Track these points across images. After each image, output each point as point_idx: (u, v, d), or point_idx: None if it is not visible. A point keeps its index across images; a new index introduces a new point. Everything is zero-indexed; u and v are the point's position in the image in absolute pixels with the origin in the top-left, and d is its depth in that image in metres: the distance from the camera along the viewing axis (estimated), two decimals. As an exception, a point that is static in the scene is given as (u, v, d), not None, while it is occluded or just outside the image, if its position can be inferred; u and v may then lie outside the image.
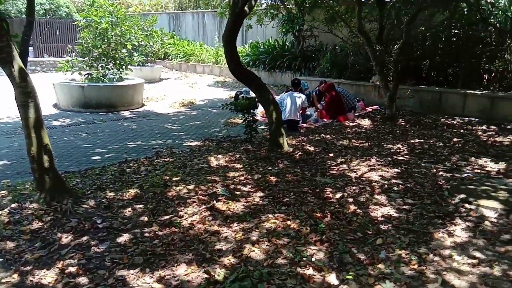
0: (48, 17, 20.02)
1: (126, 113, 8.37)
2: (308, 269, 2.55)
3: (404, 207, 3.64)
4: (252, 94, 9.20)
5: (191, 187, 4.00)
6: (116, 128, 6.97)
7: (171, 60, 18.00)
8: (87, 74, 9.01)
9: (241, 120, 7.61)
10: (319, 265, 2.58)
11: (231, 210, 3.47)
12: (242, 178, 4.37)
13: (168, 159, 5.12)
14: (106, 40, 8.89)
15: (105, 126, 7.12)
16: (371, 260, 2.68)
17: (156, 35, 14.14)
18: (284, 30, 12.30)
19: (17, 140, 5.88)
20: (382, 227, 3.21)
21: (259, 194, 3.89)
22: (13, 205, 3.38)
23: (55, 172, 3.48)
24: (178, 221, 3.21)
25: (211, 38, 18.24)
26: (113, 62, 9.25)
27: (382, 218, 3.37)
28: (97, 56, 9.03)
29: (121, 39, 9.14)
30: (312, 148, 5.70)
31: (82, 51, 8.93)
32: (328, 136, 6.54)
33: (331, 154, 5.40)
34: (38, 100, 3.38)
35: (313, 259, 2.66)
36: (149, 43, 13.32)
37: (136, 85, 9.00)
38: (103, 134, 6.45)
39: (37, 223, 3.11)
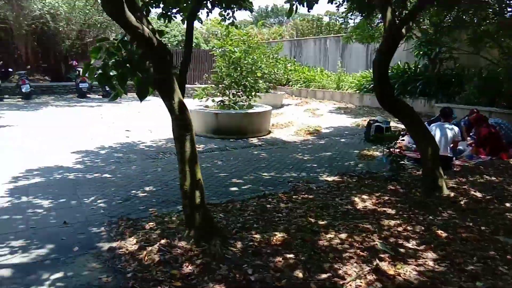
0: (180, 47, 22.06)
1: (255, 140, 8.32)
2: None
3: None
4: (392, 124, 8.42)
5: (343, 236, 3.46)
6: (248, 156, 6.87)
7: (291, 86, 18.06)
8: (219, 101, 9.31)
9: (378, 153, 6.93)
10: None
11: (401, 275, 2.82)
12: (400, 228, 3.68)
13: (306, 195, 4.69)
14: (238, 69, 9.11)
15: (237, 153, 7.09)
16: None
17: (280, 62, 14.27)
18: (421, 52, 11.19)
19: (160, 165, 6.13)
20: None
21: (430, 255, 3.15)
22: (162, 241, 3.27)
23: (205, 209, 3.30)
24: (340, 283, 2.69)
25: (333, 64, 17.83)
26: (243, 90, 9.42)
27: None
28: (229, 84, 9.30)
29: (253, 67, 9.27)
30: (479, 194, 4.68)
31: (216, 79, 9.29)
32: (493, 178, 5.40)
33: (508, 204, 4.34)
34: (194, 134, 3.27)
35: None
36: (274, 70, 13.46)
37: (264, 113, 8.96)
38: (237, 163, 6.37)
39: (187, 267, 2.90)
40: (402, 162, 5.49)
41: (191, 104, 9.89)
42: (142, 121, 10.34)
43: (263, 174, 5.73)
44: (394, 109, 5.11)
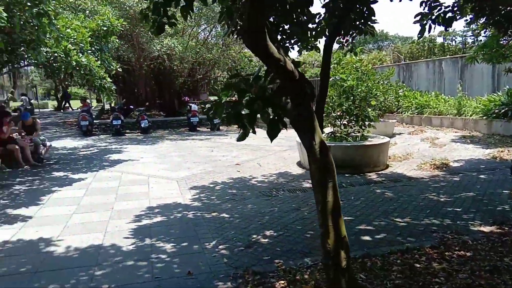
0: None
1: (373, 176, 7.48)
2: None
3: None
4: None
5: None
6: (370, 195, 6.10)
7: (400, 113, 16.67)
8: (330, 133, 8.74)
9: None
10: None
11: None
12: None
13: (462, 252, 3.78)
14: (351, 98, 8.48)
15: (356, 191, 6.36)
16: None
17: (391, 88, 13.24)
18: None
19: (275, 204, 5.71)
20: None
21: None
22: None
23: (351, 274, 2.70)
24: None
25: (450, 87, 16.09)
26: (356, 120, 8.72)
27: None
28: (340, 114, 8.70)
29: (367, 95, 8.55)
30: None
31: (327, 109, 8.76)
32: None
33: None
34: (336, 179, 2.74)
35: None
36: (386, 96, 12.49)
37: (382, 145, 8.10)
38: (360, 203, 5.65)
39: None
40: None
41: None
42: (250, 155, 10.23)
43: (396, 219, 4.91)
44: None
